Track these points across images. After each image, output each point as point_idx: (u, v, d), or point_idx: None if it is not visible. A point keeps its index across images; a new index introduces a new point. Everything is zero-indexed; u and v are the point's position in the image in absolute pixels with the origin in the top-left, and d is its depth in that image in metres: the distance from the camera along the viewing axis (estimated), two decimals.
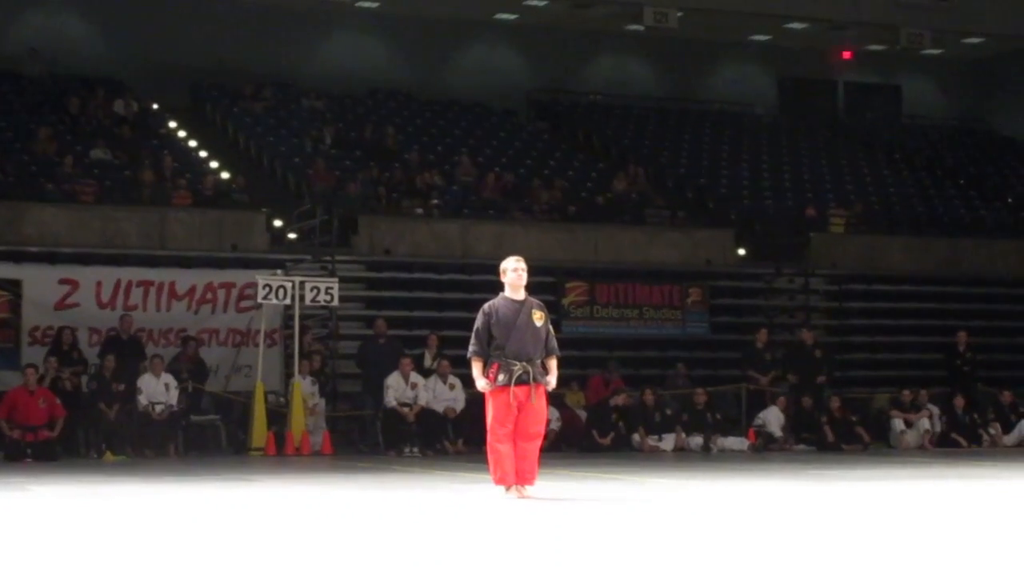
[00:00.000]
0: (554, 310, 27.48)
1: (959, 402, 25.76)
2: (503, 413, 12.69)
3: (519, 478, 12.73)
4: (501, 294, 13.05)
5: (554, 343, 13.05)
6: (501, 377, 12.66)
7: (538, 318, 12.84)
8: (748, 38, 40.04)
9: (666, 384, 26.46)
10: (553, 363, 13.01)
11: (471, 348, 12.96)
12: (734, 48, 40.44)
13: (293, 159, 30.95)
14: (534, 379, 12.70)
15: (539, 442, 12.88)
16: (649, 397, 24.99)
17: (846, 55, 41.56)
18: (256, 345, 23.83)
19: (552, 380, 12.95)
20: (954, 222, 33.62)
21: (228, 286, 24.83)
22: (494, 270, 28.17)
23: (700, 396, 25.07)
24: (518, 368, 12.66)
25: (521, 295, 12.98)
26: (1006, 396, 26.27)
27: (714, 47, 39.93)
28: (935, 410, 25.82)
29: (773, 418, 24.97)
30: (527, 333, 12.78)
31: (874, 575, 7.41)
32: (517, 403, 12.69)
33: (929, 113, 42.03)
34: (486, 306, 12.99)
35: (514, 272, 12.99)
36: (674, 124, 38.26)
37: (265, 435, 22.68)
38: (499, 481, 12.78)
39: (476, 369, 12.90)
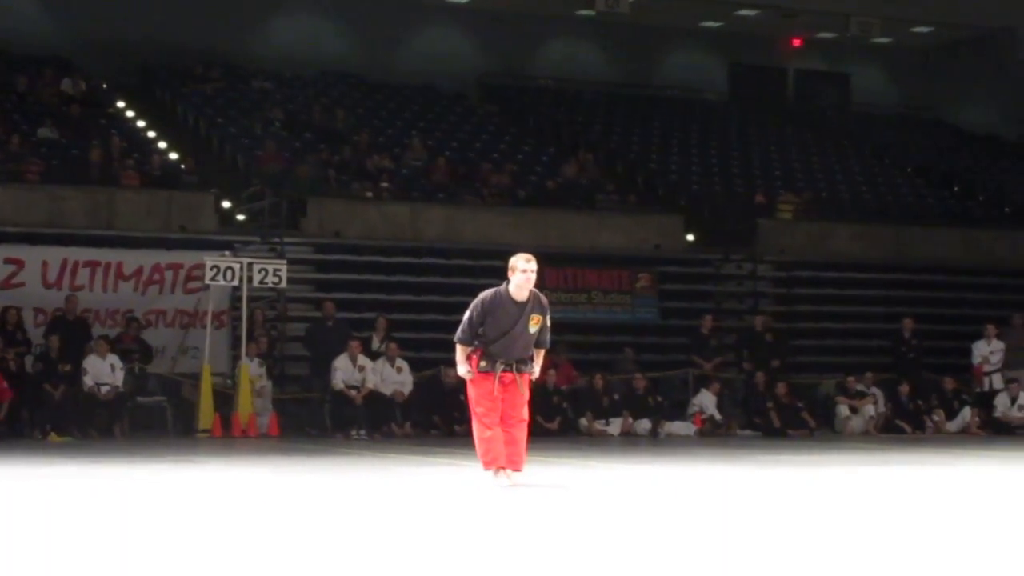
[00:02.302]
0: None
1: (903, 388, 25.96)
2: (487, 399, 12.39)
3: (507, 463, 12.37)
4: (506, 288, 12.40)
5: (546, 337, 12.56)
6: (483, 364, 12.36)
7: (534, 323, 12.33)
8: (699, 24, 40.10)
9: (614, 369, 26.53)
10: (540, 354, 12.63)
11: (459, 333, 12.52)
12: (685, 34, 40.49)
13: (242, 140, 30.80)
14: (517, 369, 12.40)
15: (524, 427, 12.52)
16: (599, 382, 25.07)
17: (796, 42, 41.72)
18: (204, 327, 23.76)
19: (536, 369, 12.62)
20: (901, 210, 33.82)
21: (176, 267, 24.75)
22: (444, 253, 28.45)
23: (639, 381, 25.17)
24: (500, 365, 12.36)
25: (525, 296, 12.34)
26: (949, 383, 26.45)
27: (665, 33, 39.96)
28: (880, 396, 26.01)
29: (708, 402, 25.12)
30: (519, 341, 12.37)
31: (813, 558, 7.47)
32: (501, 387, 12.39)
33: (878, 101, 42.22)
34: (486, 297, 12.44)
35: (523, 273, 12.28)
36: (625, 109, 38.28)
37: (212, 417, 22.61)
38: (488, 464, 12.41)
39: (460, 354, 12.54)
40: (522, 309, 12.33)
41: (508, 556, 7.55)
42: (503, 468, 12.31)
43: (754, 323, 27.20)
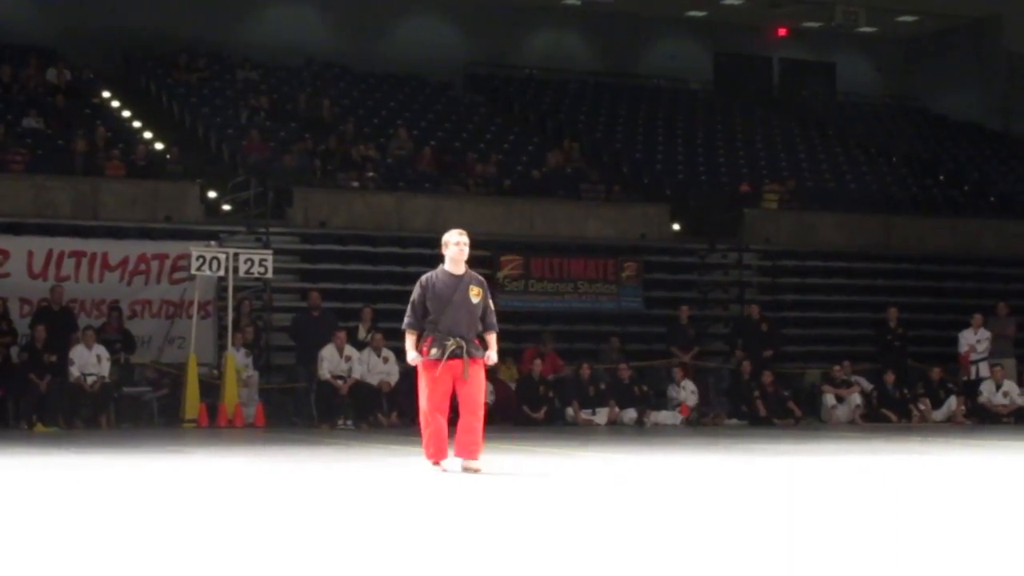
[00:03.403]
0: (488, 284, 27.53)
1: (889, 377, 26.02)
2: (434, 388, 12.51)
3: (463, 452, 12.46)
4: (441, 267, 12.71)
5: (492, 319, 12.77)
6: (434, 351, 12.44)
7: (475, 294, 12.54)
8: (684, 13, 40.15)
9: (600, 358, 26.56)
10: (492, 338, 12.79)
11: (406, 320, 12.75)
12: (670, 23, 40.52)
13: (227, 130, 30.76)
14: (468, 353, 12.49)
15: (480, 415, 12.58)
16: (586, 371, 25.10)
17: (781, 32, 41.77)
18: (189, 317, 23.75)
19: (492, 355, 12.74)
20: (886, 199, 33.87)
21: (161, 257, 24.72)
22: (430, 243, 28.31)
23: (624, 371, 25.21)
24: (451, 343, 12.44)
25: (461, 269, 12.64)
26: (935, 372, 26.51)
27: (650, 22, 39.98)
28: (866, 385, 26.07)
29: (688, 394, 25.17)
30: (462, 310, 12.53)
31: (801, 548, 7.49)
32: (452, 376, 12.49)
33: (863, 90, 42.30)
34: (423, 278, 12.74)
35: (456, 246, 12.61)
36: (610, 99, 38.29)
37: (198, 407, 22.60)
38: (429, 456, 12.64)
39: (409, 341, 12.70)
40: (459, 280, 12.59)
41: (497, 546, 7.56)
42: (441, 461, 12.50)
43: (749, 312, 27.21)
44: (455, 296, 12.52)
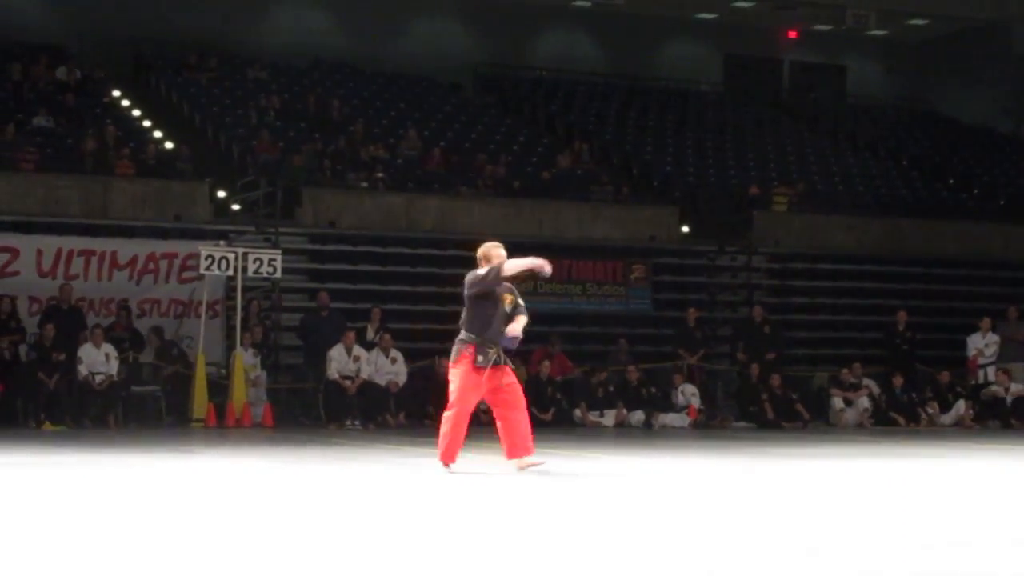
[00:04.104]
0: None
1: (897, 381, 25.97)
2: (472, 393, 12.71)
3: (518, 451, 12.75)
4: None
5: (522, 306, 13.00)
6: (480, 359, 12.63)
7: (507, 302, 12.86)
8: (695, 16, 40.13)
9: (608, 360, 26.54)
10: (520, 318, 12.90)
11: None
12: (681, 25, 40.50)
13: (237, 130, 30.79)
14: (505, 362, 12.80)
15: (524, 410, 12.87)
16: (596, 374, 25.09)
17: (792, 34, 41.75)
18: (198, 316, 23.76)
19: (517, 327, 12.80)
20: (896, 202, 33.84)
21: (170, 256, 24.75)
22: (438, 243, 28.42)
23: (632, 373, 25.20)
24: (492, 353, 12.66)
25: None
26: (944, 375, 26.47)
27: (661, 24, 39.97)
28: (874, 388, 26.04)
29: (688, 397, 25.14)
30: (501, 319, 12.80)
31: (805, 549, 7.49)
32: (489, 386, 12.69)
33: (873, 93, 42.27)
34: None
35: (498, 259, 12.73)
36: (620, 100, 38.29)
37: (206, 406, 22.60)
38: (443, 457, 12.72)
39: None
40: (500, 289, 12.85)
41: (506, 546, 7.56)
42: (451, 464, 12.69)
43: (752, 314, 27.18)
44: (498, 310, 12.82)
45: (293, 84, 34.08)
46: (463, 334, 12.76)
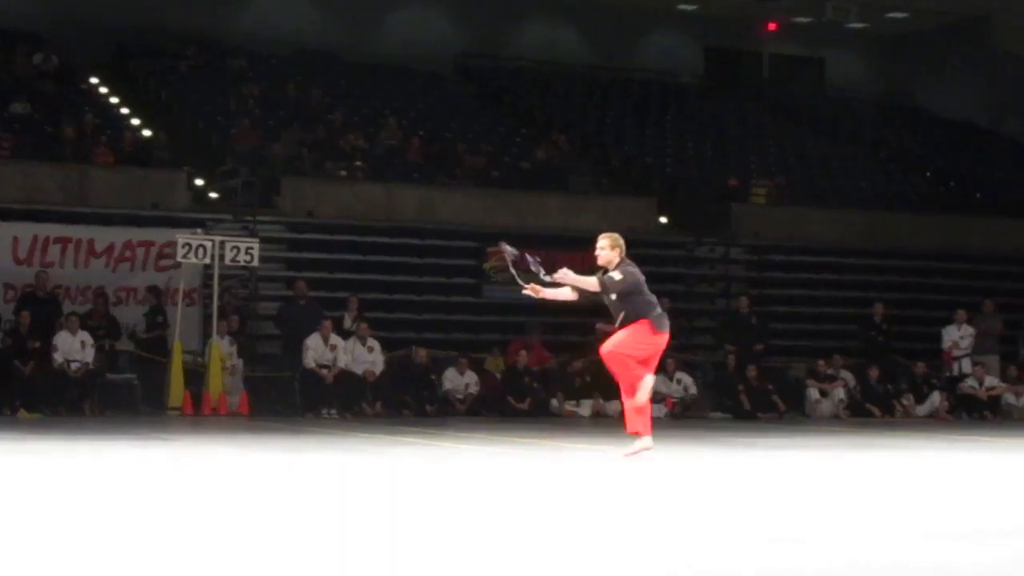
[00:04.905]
0: (474, 275, 27.60)
1: (873, 372, 26.08)
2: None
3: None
4: None
5: (619, 287, 13.40)
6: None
7: (590, 285, 13.52)
8: (675, 7, 40.14)
9: (586, 350, 26.55)
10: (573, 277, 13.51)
11: None
12: (661, 17, 40.50)
13: (216, 118, 30.74)
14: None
15: (625, 393, 13.47)
16: (576, 363, 25.14)
17: (772, 27, 41.78)
18: (175, 304, 23.73)
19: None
20: (875, 195, 33.92)
21: (147, 244, 24.70)
22: (417, 233, 28.39)
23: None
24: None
25: (613, 269, 13.54)
26: (920, 367, 26.59)
27: (642, 16, 39.97)
28: (850, 379, 26.13)
29: (677, 387, 25.19)
30: (612, 307, 13.60)
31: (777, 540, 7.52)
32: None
33: (853, 86, 42.29)
34: None
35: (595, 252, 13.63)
36: (601, 92, 38.29)
37: (182, 395, 22.58)
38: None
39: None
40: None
41: (480, 537, 7.58)
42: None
43: (738, 306, 27.20)
44: (604, 297, 13.61)
45: (273, 73, 33.99)
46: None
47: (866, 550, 7.09)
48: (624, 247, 13.66)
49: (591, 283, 13.46)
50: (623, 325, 13.45)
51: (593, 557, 6.75)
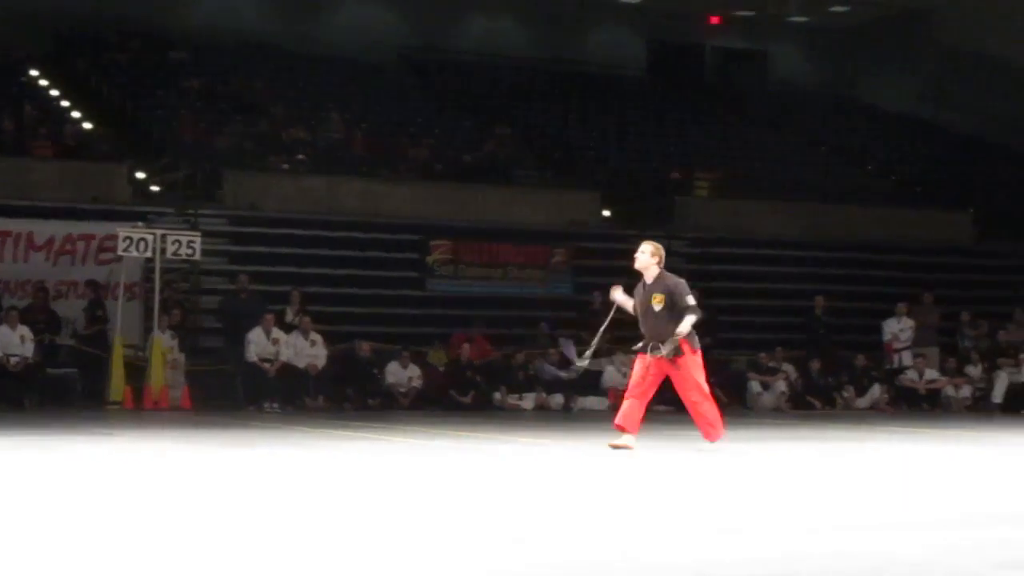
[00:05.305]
0: (418, 268, 27.59)
1: (815, 365, 26.23)
2: (642, 377, 13.86)
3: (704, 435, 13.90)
4: None
5: (683, 303, 13.68)
6: (639, 343, 13.93)
7: (657, 301, 13.67)
8: (619, 1, 40.20)
9: (529, 344, 26.60)
10: (687, 319, 13.67)
11: None
12: (605, 10, 40.58)
13: (158, 111, 30.57)
14: (653, 350, 13.71)
15: (694, 406, 13.84)
16: (518, 357, 25.17)
17: (714, 20, 41.91)
18: (116, 298, 23.58)
19: (680, 330, 13.63)
20: (816, 188, 34.07)
21: (88, 238, 24.56)
22: (360, 227, 28.32)
23: (554, 356, 25.29)
24: (643, 343, 13.90)
25: (649, 278, 13.85)
26: (860, 360, 26.75)
27: (585, 9, 40.03)
28: (791, 372, 26.26)
29: (614, 378, 25.26)
30: (648, 318, 13.79)
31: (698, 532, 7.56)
32: (658, 370, 13.78)
33: (795, 79, 42.49)
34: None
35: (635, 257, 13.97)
36: (544, 85, 38.31)
37: (123, 389, 22.44)
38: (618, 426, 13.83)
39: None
40: (645, 289, 13.88)
41: (422, 530, 7.59)
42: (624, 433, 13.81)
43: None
44: (639, 303, 13.92)
45: (215, 66, 33.83)
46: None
47: (802, 541, 7.15)
48: (663, 257, 14.01)
49: (692, 320, 13.76)
50: (656, 336, 13.74)
51: (532, 548, 6.77)
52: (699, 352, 13.97)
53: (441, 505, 8.84)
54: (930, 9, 40.68)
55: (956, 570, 6.30)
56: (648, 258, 13.82)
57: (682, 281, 13.92)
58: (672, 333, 13.60)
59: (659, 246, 14.05)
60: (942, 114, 41.35)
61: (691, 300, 13.73)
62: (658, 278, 13.80)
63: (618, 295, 14.22)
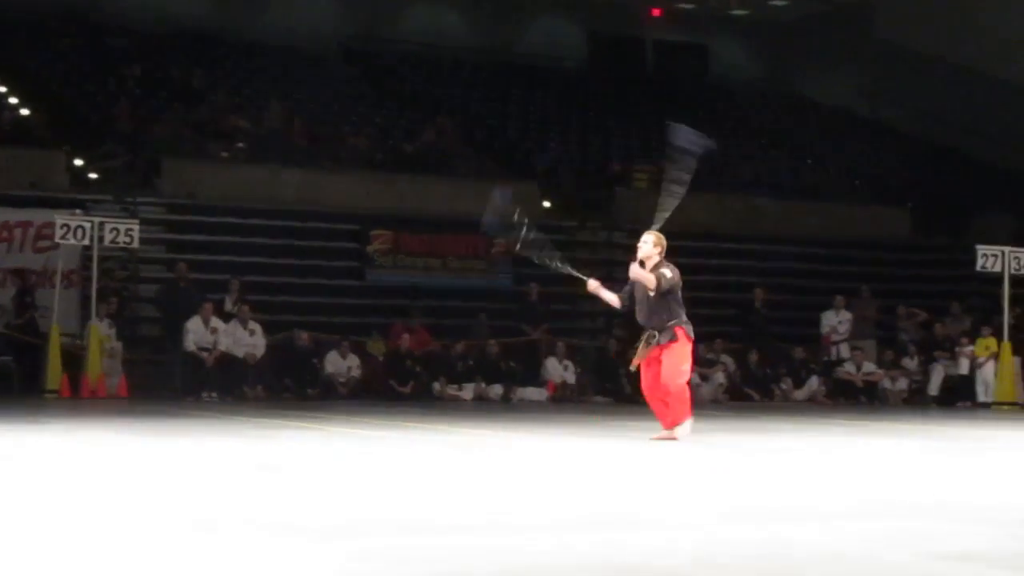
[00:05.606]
0: (357, 258, 27.55)
1: (753, 357, 26.38)
2: (646, 370, 13.96)
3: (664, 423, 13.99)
4: None
5: (662, 283, 13.70)
6: (642, 343, 13.93)
7: (650, 282, 13.67)
8: None
9: (468, 334, 26.62)
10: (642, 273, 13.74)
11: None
12: (546, 2, 40.60)
13: (97, 98, 30.35)
14: (657, 342, 13.74)
15: (671, 396, 13.79)
16: (456, 347, 25.19)
17: (656, 12, 42.01)
18: (53, 286, 23.42)
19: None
20: (755, 181, 34.23)
21: (25, 225, 24.41)
22: (300, 216, 28.21)
23: (494, 347, 25.34)
24: (645, 336, 13.89)
25: (650, 267, 13.84)
26: (799, 352, 26.94)
27: (527, 1, 40.03)
28: (730, 364, 26.40)
29: (557, 369, 25.31)
30: (644, 305, 13.88)
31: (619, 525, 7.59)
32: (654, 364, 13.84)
33: (735, 73, 42.66)
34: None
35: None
36: (485, 76, 38.31)
37: (60, 377, 22.31)
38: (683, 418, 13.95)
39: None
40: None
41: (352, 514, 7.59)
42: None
43: (631, 291, 27.34)
44: (637, 292, 13.95)
45: (154, 53, 33.60)
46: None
47: (728, 531, 7.19)
48: (665, 247, 14.00)
49: (650, 279, 13.72)
50: (653, 324, 13.80)
51: (467, 537, 6.79)
52: (690, 343, 14.03)
53: (382, 494, 8.85)
54: (868, 5, 40.94)
55: (885, 561, 6.35)
56: (650, 248, 13.91)
57: (676, 270, 13.97)
58: (666, 319, 13.76)
59: (661, 236, 14.06)
60: (880, 110, 41.64)
61: (666, 271, 13.81)
62: (656, 267, 13.86)
63: (593, 285, 14.31)
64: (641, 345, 13.95)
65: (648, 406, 14.27)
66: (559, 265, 14.89)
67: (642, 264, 13.89)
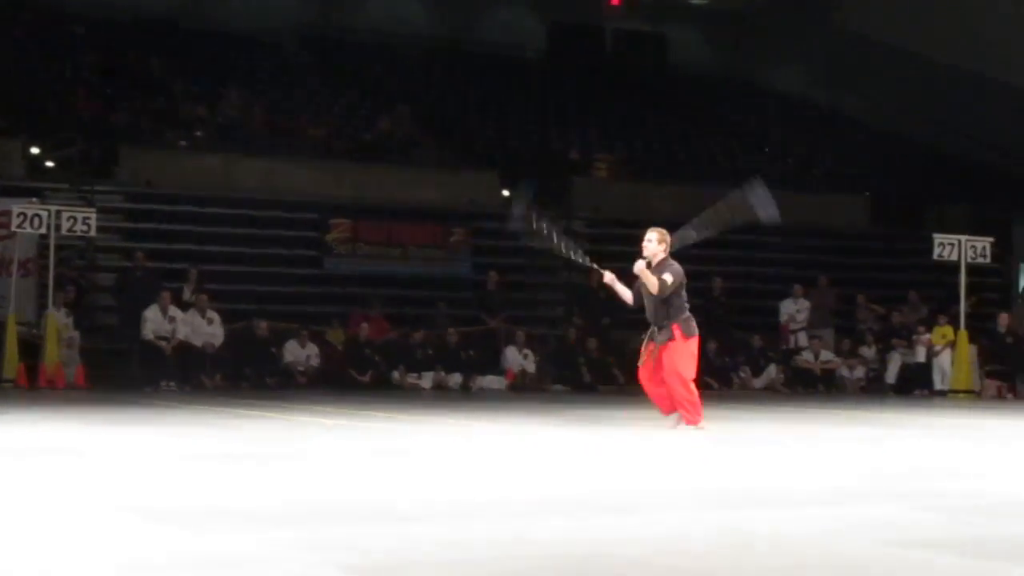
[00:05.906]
0: (316, 247, 27.51)
1: (712, 345, 26.41)
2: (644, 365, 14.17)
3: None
4: None
5: (664, 286, 13.81)
6: (645, 342, 14.15)
7: (652, 286, 13.73)
8: None
9: (428, 323, 26.61)
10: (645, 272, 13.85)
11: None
12: None
13: (53, 86, 30.16)
14: (658, 342, 13.97)
15: (671, 386, 13.97)
16: (415, 336, 25.18)
17: (615, 2, 42.05)
18: (9, 275, 23.29)
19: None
20: (713, 170, 34.29)
21: None
22: (258, 204, 28.12)
23: (452, 336, 25.35)
24: (649, 332, 14.08)
25: (655, 264, 14.00)
26: (757, 340, 27.04)
27: None
28: None
29: (516, 358, 25.33)
30: (649, 303, 14.03)
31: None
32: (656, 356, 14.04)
33: (694, 63, 42.70)
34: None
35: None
36: (444, 65, 38.27)
37: (17, 367, 22.19)
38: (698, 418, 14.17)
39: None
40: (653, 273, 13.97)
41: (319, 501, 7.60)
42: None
43: (589, 280, 27.39)
44: (642, 290, 14.09)
45: (112, 41, 33.42)
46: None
47: (691, 519, 7.23)
48: (670, 243, 14.11)
49: (652, 281, 13.85)
50: (656, 322, 13.98)
51: (419, 527, 6.81)
52: (693, 339, 14.16)
53: (340, 481, 8.86)
54: None
55: (842, 548, 6.40)
56: (655, 246, 14.05)
57: (680, 268, 14.08)
58: (666, 317, 13.91)
59: (665, 232, 14.21)
60: (837, 99, 41.77)
61: (667, 277, 13.91)
62: (661, 264, 13.98)
63: (609, 278, 14.40)
64: (644, 344, 14.16)
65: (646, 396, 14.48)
66: (581, 258, 15.11)
67: (648, 264, 13.93)
